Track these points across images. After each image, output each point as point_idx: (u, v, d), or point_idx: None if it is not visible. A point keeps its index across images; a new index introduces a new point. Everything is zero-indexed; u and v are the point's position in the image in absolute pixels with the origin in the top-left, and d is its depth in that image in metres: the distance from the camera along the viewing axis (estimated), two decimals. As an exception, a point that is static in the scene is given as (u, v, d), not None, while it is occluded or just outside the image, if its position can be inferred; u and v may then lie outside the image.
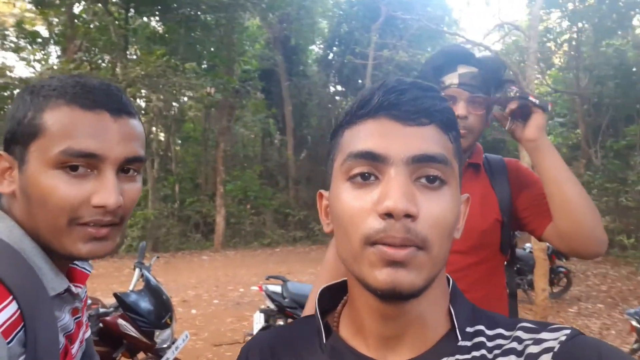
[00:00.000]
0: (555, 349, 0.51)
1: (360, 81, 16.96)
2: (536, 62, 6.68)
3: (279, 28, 16.91)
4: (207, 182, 17.49)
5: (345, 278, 0.66)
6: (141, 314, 2.66)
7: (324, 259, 1.38)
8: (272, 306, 3.74)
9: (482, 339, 0.57)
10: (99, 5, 11.89)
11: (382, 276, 0.51)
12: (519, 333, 0.56)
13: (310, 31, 17.31)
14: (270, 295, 3.73)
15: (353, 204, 0.53)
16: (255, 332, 3.86)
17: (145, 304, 2.73)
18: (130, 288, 2.86)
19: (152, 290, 2.83)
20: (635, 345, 3.60)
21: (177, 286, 8.30)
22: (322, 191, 0.64)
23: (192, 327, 5.79)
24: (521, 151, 5.56)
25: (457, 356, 0.56)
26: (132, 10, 12.71)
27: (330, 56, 18.98)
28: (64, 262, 0.79)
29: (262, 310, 3.84)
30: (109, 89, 0.76)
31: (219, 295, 7.68)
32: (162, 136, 18.41)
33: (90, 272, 0.89)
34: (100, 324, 2.62)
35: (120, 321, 2.64)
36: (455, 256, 1.30)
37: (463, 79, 1.29)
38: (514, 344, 0.55)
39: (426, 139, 0.54)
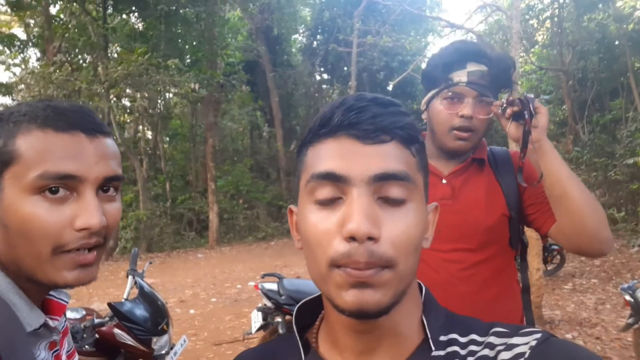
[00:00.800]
0: (526, 355, 0.51)
1: (345, 68, 16.89)
2: (519, 41, 6.66)
3: (260, 18, 16.74)
4: (197, 179, 17.42)
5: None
6: (137, 322, 2.63)
7: None
8: (269, 304, 3.73)
9: (456, 347, 0.57)
10: (76, 4, 11.66)
11: (349, 297, 0.52)
12: (492, 339, 0.56)
13: (292, 20, 17.16)
14: (267, 294, 3.72)
15: (319, 227, 0.54)
16: (253, 331, 3.85)
17: (140, 312, 2.70)
18: (125, 296, 2.83)
19: (147, 297, 2.81)
20: (630, 320, 3.65)
21: (174, 286, 8.28)
22: (292, 207, 0.64)
23: (191, 327, 5.79)
24: (510, 144, 5.57)
25: None
26: (110, 8, 12.50)
27: (315, 44, 18.87)
28: (39, 295, 0.76)
29: (259, 309, 3.83)
30: (81, 110, 0.74)
31: (217, 293, 7.67)
32: (149, 135, 18.26)
33: (67, 302, 0.86)
34: (97, 335, 2.59)
35: (117, 331, 2.61)
36: (463, 254, 1.29)
37: (472, 77, 1.27)
38: (486, 351, 0.55)
39: (386, 157, 0.54)
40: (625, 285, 4.23)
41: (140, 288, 2.86)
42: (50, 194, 0.67)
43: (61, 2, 12.46)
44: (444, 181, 1.35)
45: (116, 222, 0.75)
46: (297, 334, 0.65)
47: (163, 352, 2.75)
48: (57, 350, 0.83)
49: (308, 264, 0.58)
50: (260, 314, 3.78)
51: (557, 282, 7.28)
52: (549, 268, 7.54)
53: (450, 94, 1.29)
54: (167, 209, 15.58)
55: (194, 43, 14.03)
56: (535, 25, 14.47)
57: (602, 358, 0.57)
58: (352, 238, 0.50)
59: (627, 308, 3.91)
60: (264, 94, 17.76)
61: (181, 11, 12.45)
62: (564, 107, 14.15)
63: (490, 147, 1.44)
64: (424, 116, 1.40)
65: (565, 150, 13.02)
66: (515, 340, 0.54)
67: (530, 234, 6.07)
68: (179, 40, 13.71)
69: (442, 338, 0.58)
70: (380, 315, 0.53)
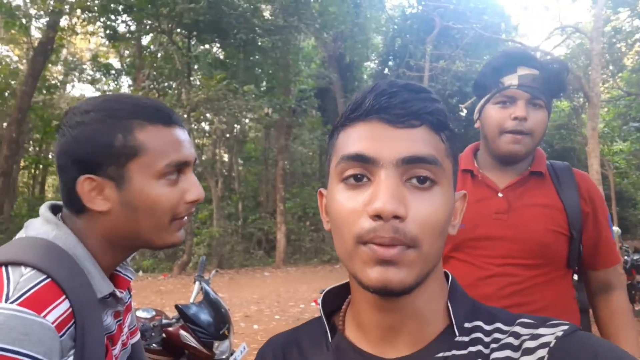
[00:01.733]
0: (552, 344, 0.51)
1: (416, 94, 16.73)
2: (601, 65, 6.33)
3: (333, 46, 17.16)
4: (268, 200, 17.91)
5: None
6: (201, 325, 2.76)
7: None
8: (328, 320, 3.75)
9: (480, 334, 0.58)
10: (164, 36, 12.68)
11: (374, 274, 0.53)
12: (517, 328, 0.56)
13: (364, 47, 17.41)
14: (327, 309, 3.74)
15: (346, 205, 0.56)
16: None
17: (204, 316, 2.83)
18: (191, 300, 2.98)
19: (211, 303, 2.94)
20: None
21: (240, 301, 8.51)
22: (322, 190, 0.67)
23: (254, 341, 5.90)
24: (590, 158, 5.27)
25: (454, 351, 0.57)
26: (194, 38, 13.44)
27: (386, 71, 18.96)
28: (109, 270, 0.87)
29: (319, 325, 3.85)
30: (165, 106, 0.88)
31: (280, 311, 7.78)
32: (225, 157, 19.15)
33: (132, 279, 0.96)
34: (164, 335, 2.75)
35: (182, 332, 2.76)
36: (516, 269, 1.25)
37: (523, 80, 1.26)
38: (511, 339, 0.55)
39: (416, 141, 0.55)
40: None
41: (206, 294, 3.00)
42: (169, 177, 0.84)
43: (151, 34, 13.62)
44: (500, 195, 1.32)
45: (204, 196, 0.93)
46: (324, 318, 0.67)
47: (223, 357, 2.85)
48: (120, 320, 0.93)
49: (336, 243, 0.60)
50: (319, 330, 3.79)
51: (645, 323, 6.63)
52: (636, 308, 6.88)
53: (501, 98, 1.28)
54: (239, 228, 16.12)
55: (270, 71, 14.66)
56: (623, 48, 13.62)
57: (628, 353, 0.54)
58: (378, 216, 0.52)
59: None
60: (334, 119, 17.99)
61: (258, 40, 13.11)
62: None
63: (550, 161, 1.39)
64: (477, 125, 1.39)
65: None
66: (541, 330, 0.54)
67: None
68: (256, 68, 14.41)
69: (467, 325, 0.59)
70: (402, 294, 0.54)
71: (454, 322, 0.59)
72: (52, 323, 0.69)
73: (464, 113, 17.15)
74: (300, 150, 18.11)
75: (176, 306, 2.79)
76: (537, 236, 1.25)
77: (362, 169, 0.56)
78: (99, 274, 0.82)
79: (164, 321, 2.77)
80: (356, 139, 0.57)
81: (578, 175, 1.35)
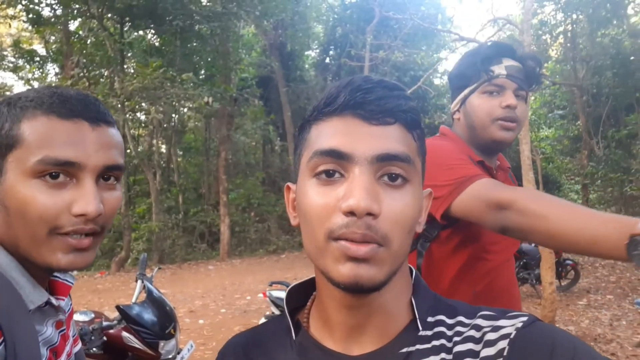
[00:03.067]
0: (512, 335, 0.52)
1: (357, 83, 16.94)
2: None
3: (274, 35, 16.96)
4: (210, 192, 17.53)
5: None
6: (145, 326, 2.65)
7: None
8: (276, 312, 3.73)
9: (442, 328, 0.58)
10: (94, 21, 11.97)
11: (345, 270, 0.53)
12: (479, 321, 0.57)
13: (305, 36, 17.36)
14: (275, 301, 3.72)
15: (318, 201, 0.55)
16: (261, 339, 3.84)
17: (148, 315, 2.72)
18: (133, 300, 2.86)
19: (155, 301, 2.83)
20: (645, 335, 3.57)
21: (184, 297, 8.30)
22: (290, 184, 0.66)
23: (200, 337, 5.79)
24: (521, 145, 5.53)
25: (418, 346, 0.57)
26: (127, 24, 12.79)
27: (327, 60, 19.02)
28: (44, 275, 0.78)
29: (266, 317, 3.83)
30: (86, 99, 0.75)
31: (226, 304, 7.67)
32: (163, 148, 18.48)
33: (72, 283, 0.88)
34: (104, 338, 2.62)
35: (124, 334, 2.63)
36: (495, 255, 1.31)
37: (510, 70, 1.28)
38: (472, 332, 0.56)
39: (390, 138, 0.55)
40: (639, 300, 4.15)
41: (149, 292, 2.88)
42: (50, 178, 0.69)
43: (80, 19, 12.81)
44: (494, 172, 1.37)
45: (114, 211, 0.77)
46: (288, 315, 0.66)
47: (170, 356, 2.76)
48: (64, 330, 0.84)
49: (305, 239, 0.59)
50: (268, 322, 3.77)
51: (571, 297, 7.14)
52: (563, 283, 7.40)
53: (490, 87, 1.28)
54: (179, 222, 15.68)
55: (209, 58, 14.27)
56: (549, 40, 14.46)
57: (584, 343, 0.57)
58: (351, 213, 0.52)
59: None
60: (277, 108, 17.92)
61: (196, 27, 12.70)
62: (579, 122, 14.04)
63: None
64: (457, 116, 1.38)
65: (580, 166, 12.89)
66: (501, 322, 0.55)
67: (543, 247, 5.98)
68: (194, 56, 13.96)
69: (430, 319, 0.60)
70: (373, 291, 0.55)
71: (417, 317, 0.59)
72: None
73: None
74: (243, 140, 17.83)
75: (117, 307, 2.66)
76: None
77: (336, 164, 0.55)
78: (29, 283, 0.73)
79: (105, 323, 2.63)
80: (330, 134, 0.56)
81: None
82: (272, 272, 11.20)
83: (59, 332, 0.82)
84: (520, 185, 1.48)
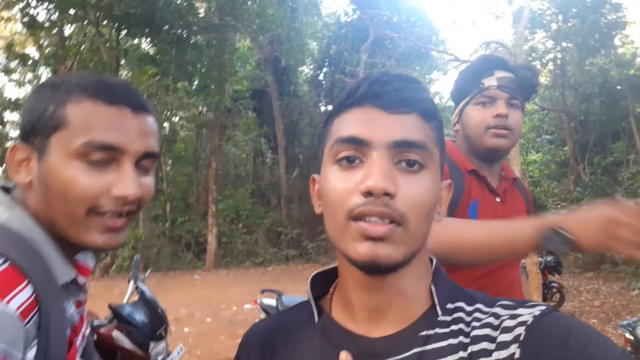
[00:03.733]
0: (529, 322, 0.54)
1: (350, 100, 17.08)
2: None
3: (269, 49, 17.11)
4: (198, 202, 17.40)
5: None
6: (136, 326, 2.63)
7: None
8: (267, 320, 3.71)
9: (461, 314, 0.61)
10: (91, 27, 11.98)
11: (363, 249, 0.55)
12: (497, 309, 0.59)
13: (300, 52, 17.51)
14: (266, 309, 3.70)
15: (339, 185, 0.58)
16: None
17: (140, 316, 2.71)
18: (125, 300, 2.84)
19: (147, 303, 2.81)
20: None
21: (169, 305, 8.11)
22: (315, 175, 0.69)
23: (185, 345, 5.66)
24: (512, 166, 5.63)
25: (437, 330, 0.59)
26: (123, 31, 12.82)
27: (321, 76, 19.19)
28: (71, 255, 0.80)
29: (256, 325, 3.80)
30: (128, 87, 0.79)
31: (212, 314, 7.59)
32: (153, 156, 18.33)
33: (91, 267, 0.90)
34: (95, 336, 2.59)
35: (115, 333, 2.61)
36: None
37: (501, 81, 1.34)
38: (491, 319, 0.58)
39: (407, 126, 0.58)
40: (625, 323, 4.17)
41: (142, 294, 2.87)
42: (92, 161, 0.72)
43: (76, 24, 12.80)
44: (497, 199, 1.40)
45: (149, 194, 0.80)
46: (312, 300, 0.69)
47: (159, 358, 2.74)
48: (82, 310, 0.86)
49: (327, 222, 0.62)
50: (257, 329, 3.75)
51: (556, 319, 7.18)
52: (550, 304, 7.45)
53: (482, 99, 1.34)
54: (166, 230, 15.52)
55: (203, 69, 14.30)
56: (539, 66, 14.76)
57: (599, 332, 0.59)
58: (369, 193, 0.55)
59: (627, 347, 3.85)
60: (269, 121, 17.98)
61: (193, 37, 12.77)
62: (566, 148, 14.28)
63: None
64: (456, 128, 1.45)
65: (567, 191, 13.07)
66: (519, 311, 0.57)
67: (530, 267, 6.03)
68: (189, 66, 13.99)
69: (449, 306, 0.62)
70: (389, 271, 0.57)
71: (436, 303, 0.62)
72: (16, 310, 0.63)
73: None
74: (234, 151, 17.81)
75: (109, 306, 2.64)
76: None
77: (355, 151, 0.58)
78: (60, 259, 0.75)
79: (95, 322, 2.61)
80: (350, 123, 0.60)
81: (521, 182, 1.53)
82: (259, 284, 11.08)
83: (79, 312, 0.83)
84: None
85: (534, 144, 17.13)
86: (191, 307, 8.16)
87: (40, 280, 0.68)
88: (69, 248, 0.79)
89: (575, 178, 13.51)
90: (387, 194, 0.54)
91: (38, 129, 0.74)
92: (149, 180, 0.80)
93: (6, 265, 0.65)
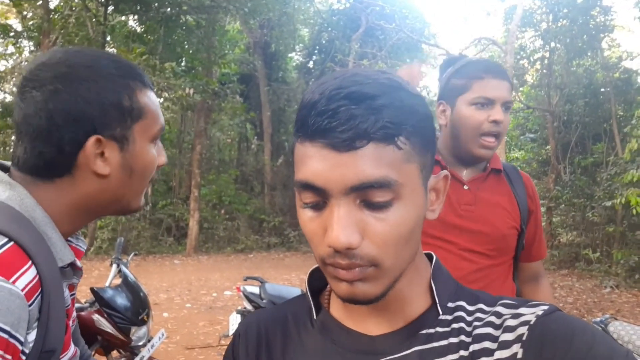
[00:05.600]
0: (531, 322, 0.53)
1: (339, 90, 17.02)
2: (512, 77, 6.88)
3: (259, 33, 16.91)
4: (181, 186, 17.23)
5: None
6: (118, 310, 2.59)
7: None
8: (249, 307, 3.70)
9: (462, 313, 0.60)
10: (77, 0, 11.66)
11: (342, 288, 0.55)
12: (499, 308, 0.58)
13: (290, 38, 17.35)
14: (248, 296, 3.69)
15: (309, 226, 0.56)
16: (230, 333, 3.80)
17: (122, 300, 2.66)
18: (107, 284, 2.79)
19: (130, 286, 2.77)
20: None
21: (148, 289, 8.05)
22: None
23: (164, 330, 5.67)
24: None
25: (438, 328, 0.59)
26: (111, 7, 12.51)
27: (310, 64, 19.07)
28: (66, 237, 0.78)
29: (238, 311, 3.79)
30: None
31: (192, 299, 7.55)
32: (136, 137, 18.05)
33: (84, 249, 0.88)
34: (75, 319, 2.54)
35: (96, 316, 2.57)
36: (478, 256, 1.33)
37: (501, 85, 1.33)
38: (493, 318, 0.57)
39: (362, 165, 0.51)
40: (598, 320, 4.28)
41: (124, 277, 2.82)
42: (156, 141, 0.87)
43: (63, -4, 12.44)
44: (465, 187, 1.38)
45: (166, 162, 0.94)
46: (309, 295, 0.67)
47: (140, 343, 2.71)
48: (74, 294, 0.85)
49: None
50: (239, 316, 3.74)
51: (531, 314, 7.33)
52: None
53: (481, 100, 1.32)
54: (147, 213, 15.34)
55: (191, 51, 14.07)
56: (526, 65, 14.89)
57: (603, 333, 0.59)
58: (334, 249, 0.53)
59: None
60: (256, 107, 17.83)
61: (182, 17, 12.52)
62: (548, 147, 14.49)
63: (502, 161, 1.49)
64: (442, 122, 1.41)
65: (547, 189, 13.28)
66: (522, 310, 0.56)
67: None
68: (177, 46, 13.75)
69: (450, 304, 0.61)
70: (374, 302, 0.56)
71: (437, 301, 0.61)
72: (22, 290, 0.61)
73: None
74: (219, 136, 17.64)
75: (92, 289, 2.59)
76: (498, 230, 1.35)
77: (317, 197, 0.54)
78: (60, 240, 0.73)
79: (76, 305, 2.56)
80: (305, 163, 0.54)
81: (524, 175, 1.47)
82: (240, 270, 11.09)
83: (71, 296, 0.82)
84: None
85: (517, 141, 17.33)
86: (171, 292, 8.11)
87: (44, 261, 0.67)
88: (70, 231, 0.79)
89: (556, 177, 13.72)
90: (349, 248, 0.51)
91: (117, 120, 0.77)
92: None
93: (10, 244, 0.64)
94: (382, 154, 0.51)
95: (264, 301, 3.63)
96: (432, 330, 0.58)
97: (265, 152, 17.91)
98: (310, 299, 0.67)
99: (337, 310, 0.65)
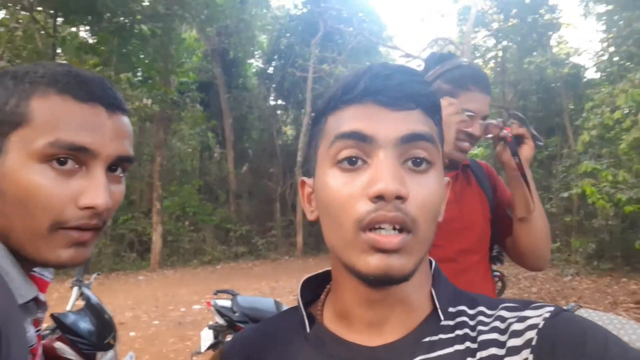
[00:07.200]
0: (540, 325, 0.52)
1: (300, 95, 17.08)
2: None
3: (217, 40, 16.72)
4: (142, 199, 16.78)
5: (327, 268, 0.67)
6: (81, 335, 2.45)
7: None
8: (221, 321, 3.60)
9: (464, 318, 0.58)
10: (24, 12, 11.19)
11: (374, 262, 0.51)
12: (502, 312, 0.57)
13: (249, 44, 17.25)
14: (220, 310, 3.59)
15: (342, 191, 0.53)
16: (203, 349, 3.69)
17: (85, 324, 2.52)
18: (68, 308, 2.64)
19: (94, 309, 2.63)
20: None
21: (112, 308, 7.76)
22: (305, 178, 0.64)
23: (132, 350, 5.46)
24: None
25: (441, 335, 0.56)
26: (60, 18, 12.07)
27: (271, 70, 19.01)
28: (28, 268, 0.70)
29: (210, 327, 3.68)
30: (104, 83, 0.70)
31: (159, 316, 7.33)
32: (93, 151, 17.49)
33: (50, 279, 0.80)
34: (35, 349, 2.39)
35: (58, 344, 2.42)
36: (462, 255, 1.32)
37: (483, 102, 1.35)
38: (497, 323, 0.55)
39: (413, 121, 0.55)
40: (565, 308, 4.44)
41: (87, 300, 2.69)
42: (58, 164, 0.62)
43: (7, 9, 11.90)
44: None
45: (118, 204, 0.72)
46: (302, 308, 0.64)
47: (108, 368, 2.57)
48: (40, 329, 0.76)
49: (328, 231, 0.57)
50: (211, 332, 3.63)
51: (500, 307, 7.51)
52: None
53: (464, 111, 1.31)
54: (108, 229, 14.85)
55: (147, 61, 13.75)
56: (481, 63, 15.35)
57: (613, 334, 0.59)
58: (379, 198, 0.50)
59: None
60: (217, 115, 17.59)
61: (137, 27, 12.22)
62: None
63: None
64: None
65: (505, 183, 13.70)
66: (527, 313, 0.54)
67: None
68: (132, 56, 13.40)
69: (451, 309, 0.59)
70: (402, 281, 0.53)
71: (438, 307, 0.58)
72: None
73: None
74: (180, 146, 17.29)
75: (52, 315, 2.44)
76: (479, 226, 1.36)
77: (358, 150, 0.54)
78: (20, 275, 0.65)
79: (36, 333, 2.41)
80: (351, 119, 0.55)
81: (483, 164, 1.51)
82: (208, 283, 10.86)
83: (36, 332, 0.74)
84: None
85: (476, 139, 17.84)
86: (137, 309, 7.84)
87: (2, 303, 0.59)
88: (27, 262, 0.68)
89: (514, 171, 14.16)
90: (398, 197, 0.50)
91: None
92: (120, 189, 0.71)
93: None
94: (427, 121, 0.56)
95: (237, 314, 3.54)
96: (435, 338, 0.56)
97: (228, 160, 17.69)
98: (303, 311, 0.63)
99: (331, 321, 0.61)
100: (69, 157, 0.63)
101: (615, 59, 11.17)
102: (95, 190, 0.64)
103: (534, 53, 13.84)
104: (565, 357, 0.48)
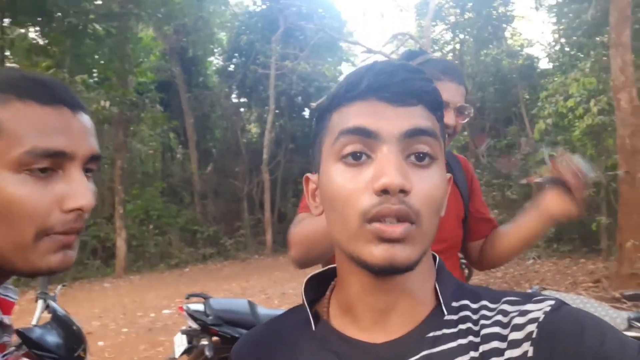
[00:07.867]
0: (540, 319, 0.53)
1: (264, 92, 16.95)
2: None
3: (175, 39, 16.35)
4: (103, 204, 16.26)
5: (331, 265, 0.67)
6: (49, 350, 2.36)
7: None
8: (194, 326, 3.54)
9: (467, 312, 0.59)
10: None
11: (379, 251, 0.52)
12: (504, 306, 0.58)
13: (208, 42, 16.95)
14: (193, 315, 3.53)
15: (347, 185, 0.55)
16: (177, 355, 3.62)
17: (53, 338, 2.44)
18: (34, 322, 2.54)
19: (61, 322, 2.54)
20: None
21: (79, 318, 7.46)
22: (309, 175, 0.65)
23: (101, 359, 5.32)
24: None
25: (444, 330, 0.57)
26: (8, 19, 11.51)
27: (231, 67, 18.76)
28: None
29: (183, 332, 3.62)
30: (60, 83, 0.68)
31: (128, 323, 7.15)
32: (48, 157, 16.82)
33: (16, 300, 0.76)
34: (0, 367, 2.29)
35: (25, 360, 2.33)
36: (441, 245, 1.32)
37: (455, 91, 1.34)
38: (499, 317, 0.57)
39: (416, 116, 0.56)
40: (530, 292, 4.61)
41: (54, 312, 2.59)
42: (40, 172, 0.61)
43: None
44: None
45: (93, 204, 0.69)
46: (307, 306, 0.64)
47: (79, 381, 2.50)
48: (7, 354, 0.73)
49: (332, 226, 0.58)
50: (184, 337, 3.57)
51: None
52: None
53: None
54: (69, 237, 14.34)
55: (102, 61, 13.31)
56: (439, 57, 15.67)
57: (612, 326, 0.62)
58: (384, 191, 0.52)
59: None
60: (178, 115, 17.22)
61: (90, 27, 11.78)
62: (465, 133, 15.36)
63: None
64: None
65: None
66: (528, 307, 0.56)
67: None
68: (87, 57, 12.93)
69: (454, 304, 0.60)
70: (406, 271, 0.54)
71: (442, 302, 0.59)
72: None
73: (307, 113, 17.85)
74: (140, 148, 16.84)
75: (17, 331, 2.34)
76: (451, 225, 1.35)
77: (362, 145, 0.55)
78: None
79: None
80: (355, 115, 0.56)
81: (461, 159, 1.50)
82: (176, 287, 10.67)
83: (3, 357, 0.71)
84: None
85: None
86: (104, 317, 7.62)
87: None
88: (26, 274, 0.66)
89: (475, 160, 14.57)
90: (402, 191, 0.52)
91: None
92: (94, 188, 0.69)
93: None
94: (429, 116, 0.57)
95: (210, 318, 3.49)
96: (439, 333, 0.57)
97: (192, 161, 17.37)
98: (308, 310, 0.64)
99: (337, 319, 0.62)
100: (47, 162, 0.61)
101: (567, 49, 11.63)
102: (79, 191, 0.63)
103: (490, 45, 14.23)
104: (564, 350, 0.50)
